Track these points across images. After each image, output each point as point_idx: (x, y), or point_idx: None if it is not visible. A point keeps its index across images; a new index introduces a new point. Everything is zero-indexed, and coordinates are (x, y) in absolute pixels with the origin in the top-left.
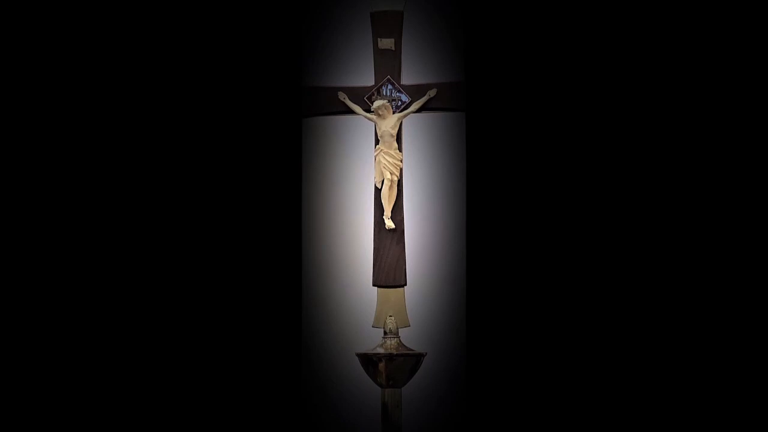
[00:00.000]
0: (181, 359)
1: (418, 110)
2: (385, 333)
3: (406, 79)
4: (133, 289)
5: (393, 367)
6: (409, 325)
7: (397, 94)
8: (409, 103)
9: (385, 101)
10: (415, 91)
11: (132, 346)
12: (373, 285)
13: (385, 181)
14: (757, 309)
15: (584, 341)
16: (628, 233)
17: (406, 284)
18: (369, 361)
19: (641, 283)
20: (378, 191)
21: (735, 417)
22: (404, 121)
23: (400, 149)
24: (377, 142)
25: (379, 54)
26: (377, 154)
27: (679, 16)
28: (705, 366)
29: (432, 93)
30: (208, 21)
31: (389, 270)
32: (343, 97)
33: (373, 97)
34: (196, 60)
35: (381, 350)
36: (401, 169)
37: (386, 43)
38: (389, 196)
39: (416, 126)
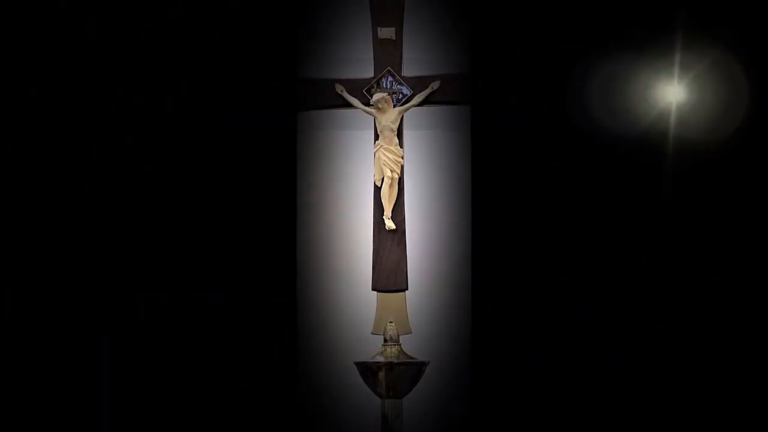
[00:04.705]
0: (174, 367)
1: (421, 104)
2: (385, 340)
3: (408, 70)
4: (125, 292)
5: (393, 376)
6: (411, 332)
7: (398, 86)
8: (411, 96)
9: (385, 94)
10: (417, 84)
11: (127, 352)
12: (373, 289)
13: (385, 179)
14: (756, 308)
15: (592, 343)
16: (640, 243)
17: (407, 288)
18: (368, 369)
19: (653, 294)
20: (378, 190)
21: (735, 417)
22: (405, 115)
23: (401, 145)
24: (377, 137)
25: (379, 44)
26: (377, 151)
27: None
28: (713, 376)
29: (435, 85)
30: (201, 10)
31: (389, 273)
32: (340, 89)
33: (373, 90)
34: (189, 52)
35: (381, 358)
36: (402, 167)
37: (386, 32)
38: (389, 194)
39: (418, 120)
